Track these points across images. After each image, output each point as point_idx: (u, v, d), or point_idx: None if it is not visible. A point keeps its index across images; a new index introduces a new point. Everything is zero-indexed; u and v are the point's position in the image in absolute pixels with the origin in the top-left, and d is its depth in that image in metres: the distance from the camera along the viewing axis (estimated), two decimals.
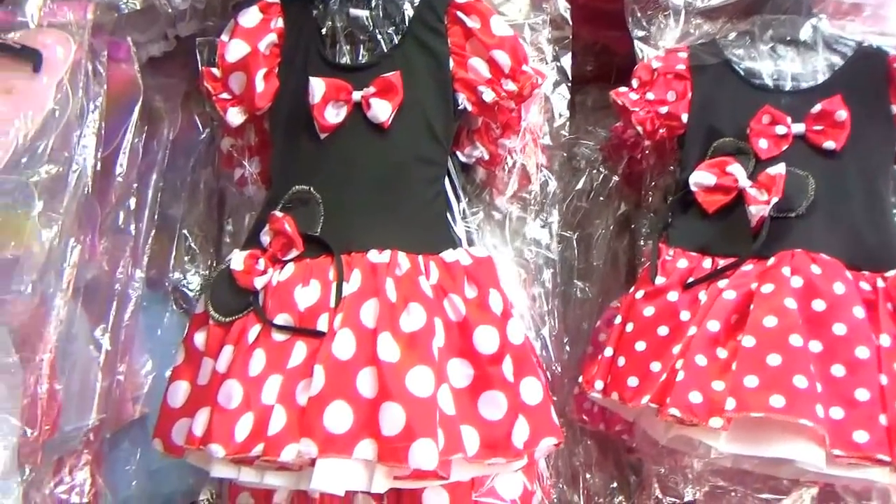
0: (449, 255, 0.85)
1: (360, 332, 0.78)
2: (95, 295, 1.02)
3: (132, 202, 1.08)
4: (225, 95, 0.94)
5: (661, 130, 0.90)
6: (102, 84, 1.02)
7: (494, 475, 0.84)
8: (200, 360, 0.87)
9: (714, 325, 0.78)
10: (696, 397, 0.74)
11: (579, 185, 1.05)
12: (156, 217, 1.15)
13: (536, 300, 0.98)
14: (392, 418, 0.72)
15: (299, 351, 0.80)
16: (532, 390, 0.83)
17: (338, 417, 0.74)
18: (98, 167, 1.00)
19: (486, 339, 0.80)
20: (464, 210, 0.92)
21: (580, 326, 1.05)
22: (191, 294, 1.21)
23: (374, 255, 0.83)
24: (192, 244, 1.22)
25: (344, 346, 0.77)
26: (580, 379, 0.90)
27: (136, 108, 1.08)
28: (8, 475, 0.85)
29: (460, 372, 0.80)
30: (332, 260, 0.84)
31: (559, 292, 1.00)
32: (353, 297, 0.80)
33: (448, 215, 0.89)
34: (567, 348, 1.02)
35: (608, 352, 0.86)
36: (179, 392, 0.87)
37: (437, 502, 0.83)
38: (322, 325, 0.81)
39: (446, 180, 0.91)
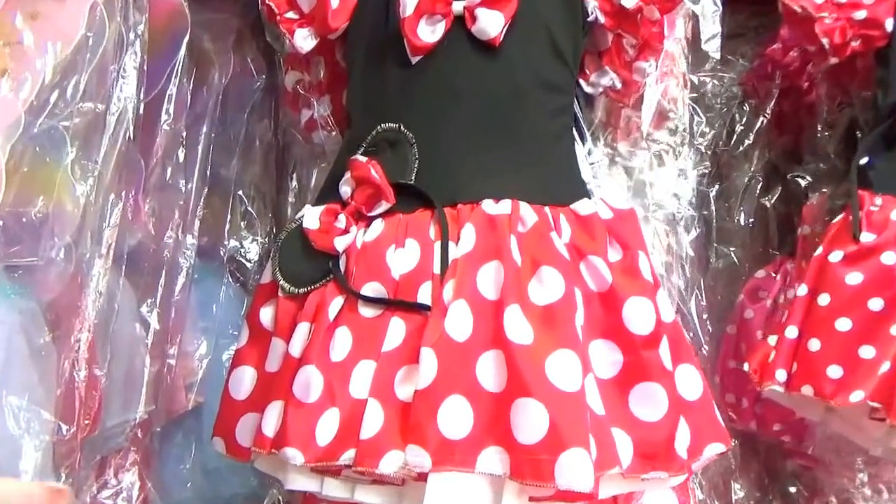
0: (583, 206, 0.66)
1: (480, 304, 0.60)
2: (140, 264, 0.87)
3: (181, 154, 0.92)
4: (291, 14, 0.76)
5: (853, 43, 0.69)
6: (144, 11, 0.85)
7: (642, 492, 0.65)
8: (269, 341, 0.70)
9: None
10: None
11: (714, 128, 0.84)
12: (207, 176, 0.99)
13: (673, 268, 0.78)
14: (530, 420, 0.54)
15: (396, 329, 0.62)
16: (691, 381, 0.64)
17: (455, 418, 0.56)
18: (140, 113, 0.84)
19: (639, 315, 0.61)
20: (589, 151, 0.73)
21: (720, 299, 0.85)
22: (249, 265, 1.05)
23: (490, 206, 0.64)
24: (249, 208, 1.06)
25: (459, 322, 0.58)
26: (746, 367, 0.71)
27: (184, 44, 0.91)
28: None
29: (606, 358, 0.61)
30: (433, 214, 0.66)
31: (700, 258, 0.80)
32: (467, 259, 0.61)
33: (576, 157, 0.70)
34: (709, 328, 0.82)
35: (791, 332, 0.66)
36: (244, 380, 0.71)
37: None
38: (424, 296, 0.63)
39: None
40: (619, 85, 0.75)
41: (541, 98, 0.69)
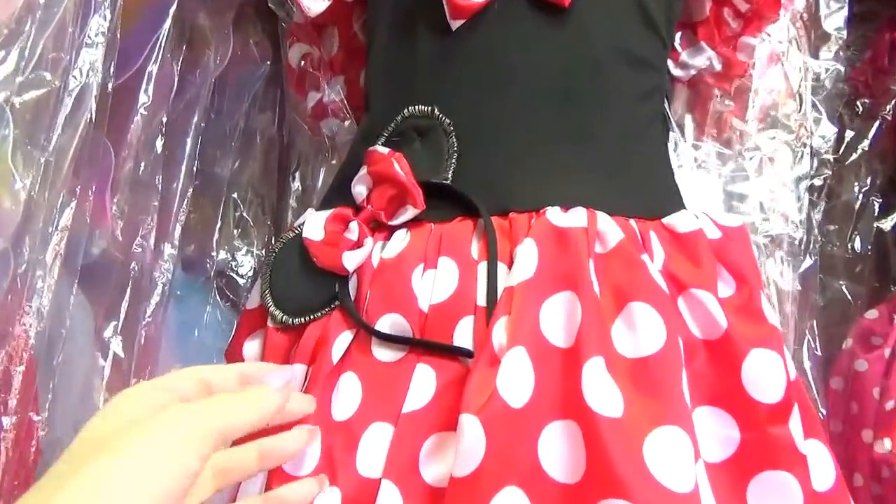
0: (682, 220, 0.49)
1: (545, 354, 0.42)
2: (103, 278, 0.71)
3: (159, 146, 0.76)
4: None
5: None
6: None
7: None
8: None
9: None
10: None
11: (820, 133, 0.67)
12: (195, 173, 0.83)
13: (774, 308, 0.61)
14: None
15: (424, 380, 0.45)
16: (823, 464, 0.47)
17: None
18: (110, 92, 0.69)
19: (765, 374, 0.44)
20: (675, 144, 0.56)
21: (824, 347, 0.67)
22: (241, 281, 0.89)
23: (558, 216, 0.47)
24: (245, 213, 0.90)
25: (517, 380, 0.41)
26: (888, 445, 0.53)
27: (170, 13, 0.76)
28: None
29: (716, 434, 0.44)
30: (476, 224, 0.49)
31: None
32: (528, 288, 0.44)
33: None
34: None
35: None
36: None
37: None
38: (463, 336, 0.46)
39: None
40: (718, 66, 0.57)
41: (625, 76, 0.52)
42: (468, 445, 0.39)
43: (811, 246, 0.62)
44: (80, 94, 0.64)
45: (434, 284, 0.48)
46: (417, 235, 0.51)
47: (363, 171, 0.53)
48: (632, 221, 0.48)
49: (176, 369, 0.76)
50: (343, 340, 0.50)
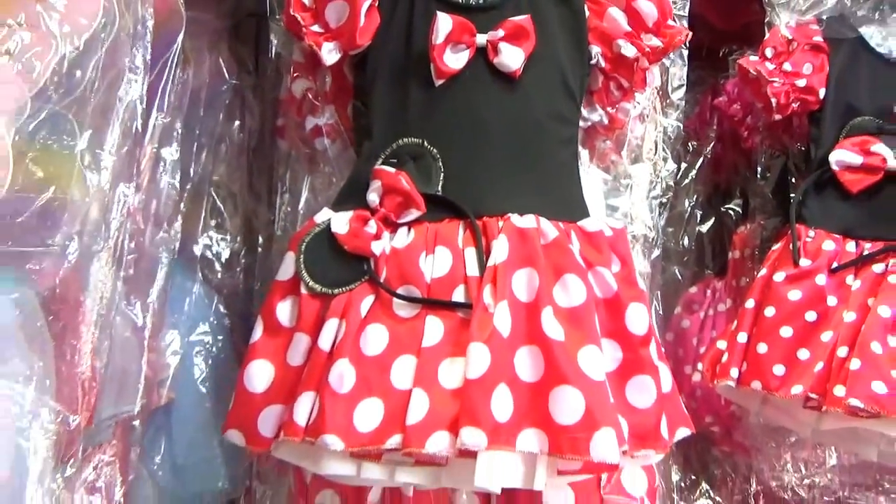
0: (590, 223, 0.76)
1: (516, 306, 0.68)
2: (134, 259, 0.86)
3: (171, 152, 0.92)
4: (317, 28, 0.81)
5: (793, 105, 0.85)
6: (150, 6, 0.85)
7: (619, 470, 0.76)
8: (290, 337, 0.74)
9: (885, 311, 0.74)
10: (879, 387, 0.69)
11: (667, 167, 0.98)
12: (180, 173, 0.99)
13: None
14: (568, 404, 0.63)
15: (434, 327, 0.69)
16: (666, 376, 0.76)
17: (502, 404, 0.63)
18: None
19: (637, 318, 0.72)
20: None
21: (661, 311, 0.98)
22: (217, 264, 1.05)
23: (518, 220, 0.73)
24: (221, 207, 1.06)
25: (504, 321, 0.66)
26: (700, 367, 0.84)
27: (179, 41, 0.92)
28: (44, 475, 0.68)
29: (609, 355, 0.71)
30: (460, 224, 0.73)
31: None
32: (504, 266, 0.69)
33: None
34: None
35: (742, 337, 0.80)
36: (262, 374, 0.73)
37: (560, 501, 0.74)
38: (459, 298, 0.70)
39: None
40: (606, 121, 0.86)
41: (555, 128, 0.78)
42: (477, 359, 0.63)
43: (657, 242, 0.92)
44: (129, 109, 0.79)
45: (434, 265, 0.72)
46: (418, 231, 0.74)
47: (377, 183, 0.75)
48: (560, 224, 0.74)
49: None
50: (367, 302, 0.72)
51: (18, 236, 0.70)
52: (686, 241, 1.00)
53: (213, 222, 1.07)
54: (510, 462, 0.63)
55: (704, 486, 0.95)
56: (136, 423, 0.87)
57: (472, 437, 0.61)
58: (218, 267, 1.06)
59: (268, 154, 1.12)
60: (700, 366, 0.83)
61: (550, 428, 0.63)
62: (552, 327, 0.66)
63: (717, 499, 0.94)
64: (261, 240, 1.05)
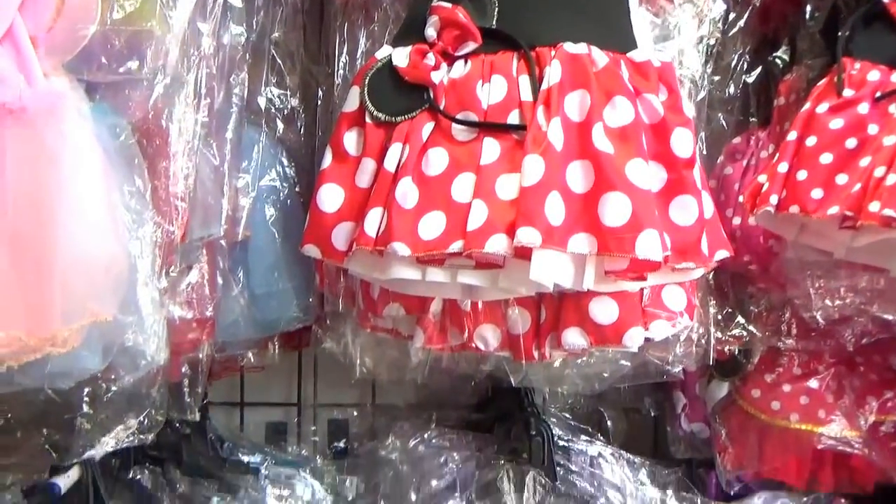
0: (638, 54, 0.79)
1: (569, 125, 0.73)
2: (208, 105, 0.92)
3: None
4: None
5: None
6: None
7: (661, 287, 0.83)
8: (357, 162, 0.80)
9: None
10: None
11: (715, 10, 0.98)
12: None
13: None
14: (616, 209, 0.69)
15: (491, 148, 0.74)
16: (708, 202, 0.81)
17: (555, 210, 0.69)
18: None
19: (682, 142, 0.76)
20: None
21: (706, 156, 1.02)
22: (280, 119, 1.12)
23: (571, 47, 0.76)
24: (281, 64, 1.12)
25: (557, 136, 0.71)
26: (741, 199, 0.89)
27: None
28: (150, 280, 0.78)
29: (655, 176, 0.76)
30: (514, 55, 0.78)
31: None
32: (557, 88, 0.74)
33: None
34: None
35: (783, 167, 0.84)
36: (333, 196, 0.81)
37: (604, 312, 0.81)
38: (514, 121, 0.75)
39: None
40: None
41: None
42: (533, 169, 0.69)
43: (703, 86, 0.95)
44: None
45: (490, 92, 0.77)
46: (475, 63, 0.78)
47: (434, 18, 0.79)
48: (610, 53, 0.78)
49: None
50: (427, 128, 0.77)
51: (111, 68, 0.77)
52: (732, 89, 1.02)
53: (273, 79, 1.12)
54: (562, 262, 0.70)
55: (740, 319, 1.01)
56: (223, 244, 0.96)
57: (527, 235, 0.68)
58: (280, 121, 1.12)
59: (322, 14, 1.17)
60: (737, 217, 0.87)
61: (599, 231, 0.69)
62: (602, 142, 0.71)
63: (751, 328, 1.00)
64: (320, 93, 1.10)
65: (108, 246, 0.68)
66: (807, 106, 0.85)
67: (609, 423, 1.30)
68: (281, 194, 1.07)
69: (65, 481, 0.81)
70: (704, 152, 0.96)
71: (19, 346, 0.59)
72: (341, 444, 1.35)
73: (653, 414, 1.28)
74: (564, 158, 0.71)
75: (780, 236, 0.93)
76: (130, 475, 0.96)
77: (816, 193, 0.80)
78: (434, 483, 1.02)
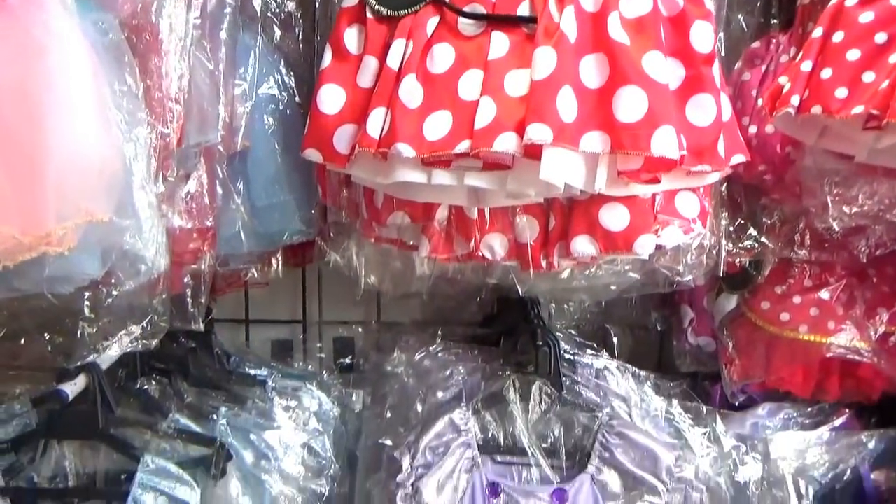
0: None
1: (583, 15, 0.68)
2: (201, 3, 0.87)
3: None
4: None
5: None
6: None
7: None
8: (359, 60, 0.77)
9: None
10: None
11: None
12: None
13: None
14: (631, 103, 0.65)
15: (499, 42, 0.70)
16: (726, 104, 0.78)
17: (567, 105, 0.66)
18: None
19: (702, 36, 0.72)
20: None
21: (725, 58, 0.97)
22: (277, 24, 1.07)
23: None
24: None
25: (570, 27, 0.67)
26: (759, 102, 0.85)
27: None
28: (146, 182, 0.75)
29: (673, 73, 0.72)
30: None
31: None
32: None
33: None
34: None
35: (806, 66, 0.80)
36: (334, 97, 0.78)
37: (615, 219, 0.79)
38: (524, 12, 0.71)
39: None
40: None
41: None
42: (544, 62, 0.66)
43: None
44: None
45: None
46: None
47: None
48: None
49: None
50: (432, 23, 0.73)
51: None
52: None
53: None
54: (573, 162, 0.68)
55: (752, 230, 0.99)
56: (221, 151, 0.93)
57: (538, 132, 0.65)
58: (276, 27, 1.07)
59: None
60: (753, 125, 0.83)
61: (613, 128, 0.66)
62: (618, 33, 0.67)
63: (764, 240, 0.98)
64: None
65: (100, 145, 0.66)
66: (834, 1, 0.80)
67: (615, 339, 1.30)
68: (280, 104, 1.03)
69: (72, 388, 0.81)
70: (723, 54, 0.92)
71: (14, 244, 0.58)
72: (347, 361, 1.36)
73: (659, 328, 1.27)
74: (578, 51, 0.67)
75: (797, 143, 0.89)
76: (138, 385, 0.96)
77: (841, 93, 0.76)
78: (440, 394, 1.02)
